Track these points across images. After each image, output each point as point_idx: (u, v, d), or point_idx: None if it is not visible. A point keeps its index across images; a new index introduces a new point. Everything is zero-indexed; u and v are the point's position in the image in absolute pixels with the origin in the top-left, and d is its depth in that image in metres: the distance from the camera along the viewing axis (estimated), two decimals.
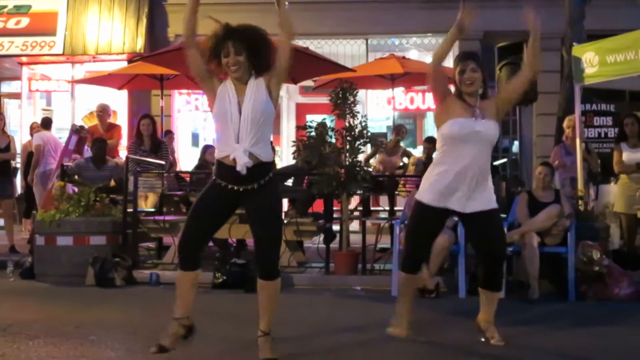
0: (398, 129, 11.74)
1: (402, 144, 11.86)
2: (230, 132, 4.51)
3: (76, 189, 9.30)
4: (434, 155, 5.66)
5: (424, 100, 14.80)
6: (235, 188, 4.57)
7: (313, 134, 8.65)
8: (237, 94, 4.56)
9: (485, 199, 5.04)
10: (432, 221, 5.19)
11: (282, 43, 4.66)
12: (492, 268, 5.10)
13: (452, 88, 5.27)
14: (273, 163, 4.79)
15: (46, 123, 11.94)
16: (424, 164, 8.29)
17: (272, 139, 4.91)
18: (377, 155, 11.28)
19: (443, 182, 5.02)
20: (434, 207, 5.06)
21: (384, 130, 12.64)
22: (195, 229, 4.71)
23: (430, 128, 14.89)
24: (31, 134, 12.12)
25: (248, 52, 4.52)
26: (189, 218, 4.79)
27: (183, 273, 4.74)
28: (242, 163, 4.42)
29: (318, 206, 9.25)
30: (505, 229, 7.44)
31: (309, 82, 12.09)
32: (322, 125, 8.60)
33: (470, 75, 5.06)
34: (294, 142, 9.06)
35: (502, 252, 5.20)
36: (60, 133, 14.20)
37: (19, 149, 12.06)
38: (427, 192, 5.12)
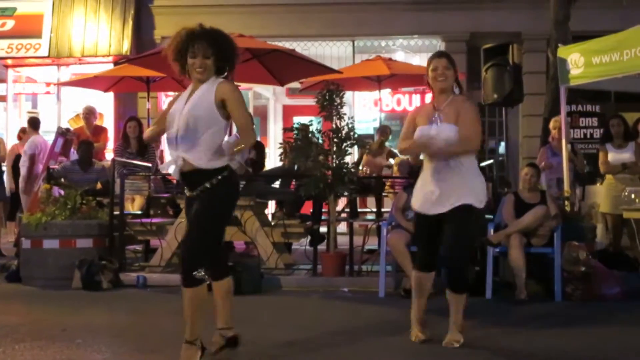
0: (382, 130, 11.74)
1: (387, 144, 11.86)
2: (172, 134, 4.44)
3: (62, 192, 9.27)
4: None
5: (411, 101, 14.85)
6: (188, 194, 4.58)
7: (300, 135, 8.65)
8: (190, 96, 4.48)
9: (454, 198, 5.00)
10: (427, 226, 5.22)
11: (240, 130, 4.44)
12: (447, 267, 5.23)
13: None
14: (218, 170, 4.41)
15: (34, 123, 11.83)
16: (410, 165, 8.29)
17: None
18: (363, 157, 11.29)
19: (422, 188, 5.19)
20: (423, 214, 5.19)
21: (371, 131, 12.65)
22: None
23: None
24: (19, 138, 12.03)
25: (215, 56, 4.42)
26: None
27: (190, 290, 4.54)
28: (172, 168, 4.49)
29: (307, 208, 9.26)
30: (492, 230, 7.50)
31: (295, 84, 12.08)
32: (305, 127, 8.58)
33: (443, 72, 5.09)
34: (280, 144, 9.07)
35: (451, 254, 5.02)
36: (46, 136, 14.15)
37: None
38: (415, 199, 5.31)
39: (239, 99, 4.44)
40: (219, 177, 4.38)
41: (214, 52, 4.40)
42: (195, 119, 4.31)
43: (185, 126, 4.32)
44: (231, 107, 4.35)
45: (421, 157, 5.42)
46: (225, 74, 4.53)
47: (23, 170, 11.08)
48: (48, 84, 15.00)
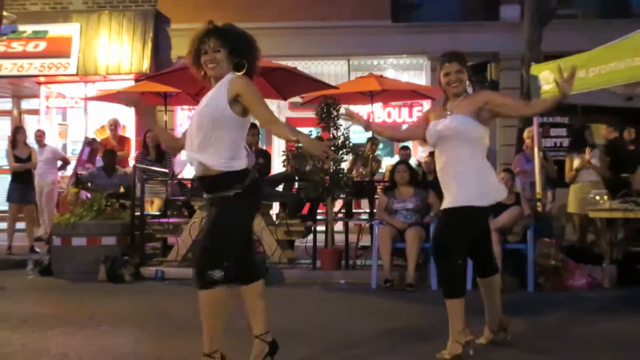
0: (372, 142, 11.73)
1: (379, 152, 11.89)
2: (188, 135, 3.88)
3: (89, 195, 9.29)
4: None
5: (400, 114, 14.89)
6: (206, 196, 3.90)
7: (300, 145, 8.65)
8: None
9: (453, 195, 4.40)
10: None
11: (266, 124, 3.91)
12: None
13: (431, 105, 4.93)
14: (237, 174, 3.73)
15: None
16: (390, 174, 8.34)
17: (240, 148, 3.82)
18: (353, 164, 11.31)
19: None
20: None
21: (364, 141, 12.66)
22: None
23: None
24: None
25: (227, 50, 3.77)
26: None
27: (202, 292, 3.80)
28: (186, 167, 4.02)
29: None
30: None
31: (297, 99, 12.11)
32: None
33: (457, 76, 4.44)
34: (283, 151, 9.10)
35: (435, 249, 4.47)
36: (74, 145, 14.21)
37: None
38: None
39: (255, 93, 3.73)
40: (242, 188, 3.70)
41: (224, 45, 3.76)
42: (208, 117, 3.70)
43: (198, 126, 3.73)
44: (248, 103, 3.69)
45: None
46: (244, 70, 3.83)
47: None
48: (74, 99, 15.00)
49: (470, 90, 4.51)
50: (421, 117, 4.77)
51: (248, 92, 3.69)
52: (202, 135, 3.69)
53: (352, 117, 4.87)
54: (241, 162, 3.76)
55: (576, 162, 9.19)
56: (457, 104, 4.44)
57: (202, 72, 3.89)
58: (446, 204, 4.44)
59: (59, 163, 11.66)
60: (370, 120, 13.22)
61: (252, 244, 4.38)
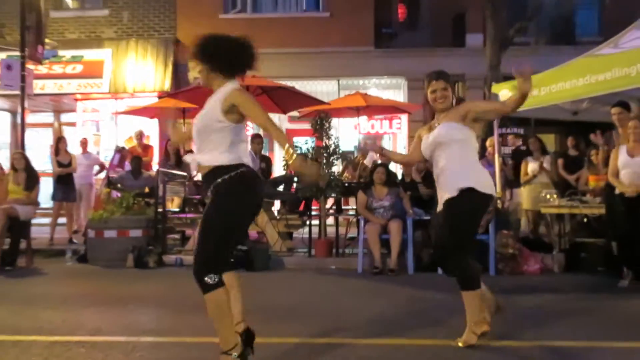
0: (363, 151, 11.76)
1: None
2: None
3: (119, 195, 9.28)
4: None
5: (382, 126, 14.90)
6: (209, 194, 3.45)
7: (299, 152, 8.69)
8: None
9: (449, 188, 4.08)
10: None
11: (264, 128, 3.35)
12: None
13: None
14: (227, 168, 3.33)
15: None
16: (370, 172, 8.36)
17: (231, 146, 3.39)
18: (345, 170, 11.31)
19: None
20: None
21: (352, 148, 12.69)
22: None
23: (386, 146, 14.94)
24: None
25: (206, 62, 3.47)
26: None
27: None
28: (192, 167, 3.67)
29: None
30: None
31: (295, 113, 12.11)
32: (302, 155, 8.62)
33: (442, 94, 4.16)
34: (283, 157, 9.09)
35: (436, 248, 4.25)
36: (106, 152, 14.18)
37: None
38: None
39: (248, 100, 3.38)
40: (227, 177, 3.31)
41: (202, 58, 3.46)
42: (204, 124, 3.40)
43: (197, 131, 3.43)
44: (245, 110, 3.34)
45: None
46: (237, 75, 3.51)
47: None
48: (106, 113, 15.00)
49: (454, 103, 4.26)
50: (415, 139, 4.44)
51: (242, 100, 3.33)
52: (200, 139, 3.42)
53: (372, 147, 4.76)
54: (229, 157, 3.36)
55: (531, 167, 9.23)
56: (443, 116, 4.19)
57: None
58: (444, 196, 4.09)
59: (96, 168, 11.65)
60: (357, 130, 13.45)
61: (239, 239, 3.93)
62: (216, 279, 3.22)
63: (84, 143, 11.50)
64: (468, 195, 3.98)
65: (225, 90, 3.39)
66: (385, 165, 8.07)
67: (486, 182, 4.11)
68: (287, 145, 3.26)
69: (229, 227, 3.32)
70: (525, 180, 9.33)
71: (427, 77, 4.27)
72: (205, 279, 3.20)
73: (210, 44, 3.48)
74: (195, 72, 3.56)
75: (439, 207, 4.20)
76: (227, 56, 3.45)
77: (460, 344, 3.94)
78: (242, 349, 3.31)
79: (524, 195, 9.48)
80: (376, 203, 7.81)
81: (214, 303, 3.24)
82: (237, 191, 3.32)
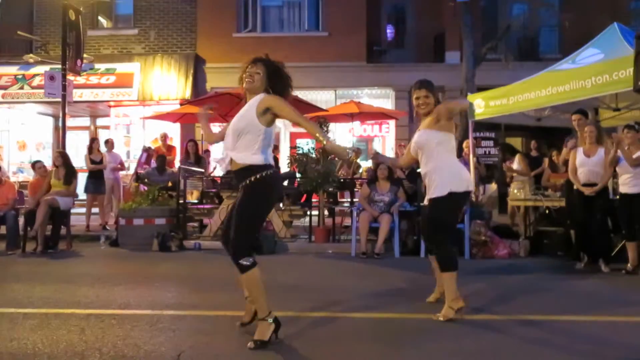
0: (356, 151, 11.73)
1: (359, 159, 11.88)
2: (226, 136, 3.58)
3: (146, 188, 9.26)
4: None
5: (373, 130, 14.89)
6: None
7: (301, 152, 8.70)
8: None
9: (434, 189, 4.10)
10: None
11: (298, 124, 3.53)
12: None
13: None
14: (259, 167, 3.39)
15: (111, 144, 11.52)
16: (373, 171, 8.32)
17: (262, 149, 3.45)
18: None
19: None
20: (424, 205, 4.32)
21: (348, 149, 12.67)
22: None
23: (376, 147, 14.94)
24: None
25: (266, 76, 3.51)
26: None
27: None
28: (223, 163, 3.64)
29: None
30: None
31: None
32: (304, 155, 8.61)
33: (424, 101, 4.15)
34: (288, 157, 9.09)
35: (428, 236, 4.19)
36: (135, 151, 14.15)
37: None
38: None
39: (280, 101, 3.44)
40: (258, 176, 3.36)
41: (265, 71, 3.50)
42: (241, 125, 3.42)
43: (233, 130, 3.44)
44: (279, 111, 3.41)
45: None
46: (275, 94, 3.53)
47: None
48: (135, 118, 14.96)
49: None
50: (410, 144, 4.38)
51: (277, 103, 3.41)
52: (236, 138, 3.44)
53: (375, 157, 4.93)
54: (260, 158, 3.40)
55: (516, 165, 9.27)
56: (422, 122, 4.21)
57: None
58: (430, 194, 4.11)
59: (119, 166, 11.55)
60: (351, 133, 13.42)
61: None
62: (251, 261, 3.31)
63: (111, 143, 11.38)
64: (451, 196, 4.02)
65: (259, 97, 3.46)
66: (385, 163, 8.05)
67: (464, 180, 4.12)
68: (317, 134, 3.37)
69: (258, 219, 3.47)
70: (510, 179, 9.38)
71: (413, 86, 4.29)
72: (242, 261, 3.29)
73: (277, 66, 3.59)
74: (249, 72, 3.51)
75: (426, 201, 4.22)
76: (284, 81, 3.57)
77: (440, 319, 3.92)
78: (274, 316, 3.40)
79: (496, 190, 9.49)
80: (378, 196, 7.78)
81: (251, 281, 3.34)
82: (266, 190, 3.42)
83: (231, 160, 3.48)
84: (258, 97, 3.47)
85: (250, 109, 3.44)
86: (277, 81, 3.54)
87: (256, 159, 3.40)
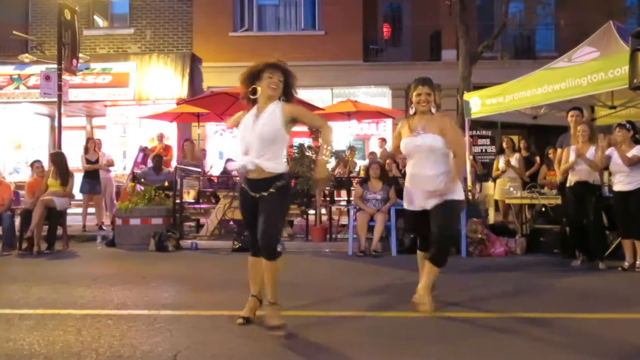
0: (351, 149, 11.74)
1: (356, 158, 11.89)
2: (245, 145, 3.70)
3: (142, 188, 9.23)
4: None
5: (369, 128, 14.89)
6: (252, 194, 3.68)
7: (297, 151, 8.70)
8: (258, 114, 3.68)
9: (452, 193, 4.07)
10: (414, 220, 4.30)
11: (319, 127, 3.81)
12: (434, 245, 4.08)
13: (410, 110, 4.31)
14: (283, 174, 3.67)
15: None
16: (365, 170, 8.36)
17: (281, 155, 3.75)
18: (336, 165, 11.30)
19: (408, 189, 4.28)
20: (410, 210, 4.28)
21: (344, 148, 12.65)
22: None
23: (373, 146, 14.94)
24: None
25: (284, 84, 3.72)
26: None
27: (254, 259, 3.79)
28: (240, 166, 3.67)
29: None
30: None
31: None
32: (300, 145, 8.60)
33: (426, 98, 4.14)
34: (284, 156, 9.04)
35: (439, 236, 4.05)
36: (131, 151, 14.11)
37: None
38: (404, 200, 4.35)
39: (304, 111, 3.75)
40: (284, 181, 3.64)
41: (283, 79, 3.70)
42: (268, 136, 3.58)
43: (259, 139, 3.58)
44: (304, 118, 3.67)
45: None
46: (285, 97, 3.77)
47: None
48: (131, 118, 14.93)
49: (434, 110, 4.18)
50: (396, 135, 4.43)
51: (300, 112, 3.69)
52: (262, 146, 3.59)
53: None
54: (285, 167, 3.73)
55: (502, 163, 9.25)
56: (427, 124, 4.13)
57: (246, 89, 3.71)
58: (450, 196, 4.03)
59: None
60: (348, 132, 13.41)
61: None
62: (281, 248, 3.78)
63: (98, 144, 11.31)
64: (454, 202, 4.07)
65: (279, 106, 3.65)
66: (379, 163, 8.07)
67: (461, 190, 4.21)
68: (326, 145, 3.70)
69: (285, 214, 3.97)
70: (496, 175, 9.33)
71: (414, 82, 4.25)
72: (278, 249, 3.62)
73: (291, 72, 3.78)
74: (275, 80, 3.67)
75: (421, 202, 4.15)
76: (294, 87, 3.81)
77: (426, 309, 3.92)
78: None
79: (495, 188, 9.47)
80: (370, 195, 7.79)
81: (276, 268, 3.62)
82: (289, 191, 3.75)
83: (257, 167, 3.61)
84: (278, 106, 3.65)
85: (274, 118, 3.61)
86: (289, 88, 3.76)
87: (282, 167, 3.70)
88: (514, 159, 9.23)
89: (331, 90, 14.98)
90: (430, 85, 4.20)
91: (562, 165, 6.54)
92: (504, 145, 9.45)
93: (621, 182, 6.22)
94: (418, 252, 4.41)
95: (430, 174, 4.12)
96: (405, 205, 4.33)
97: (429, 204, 4.11)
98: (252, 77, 3.72)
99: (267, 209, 3.62)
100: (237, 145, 3.78)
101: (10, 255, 7.63)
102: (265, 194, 3.62)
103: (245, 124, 3.73)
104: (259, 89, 3.69)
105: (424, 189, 4.12)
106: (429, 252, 4.12)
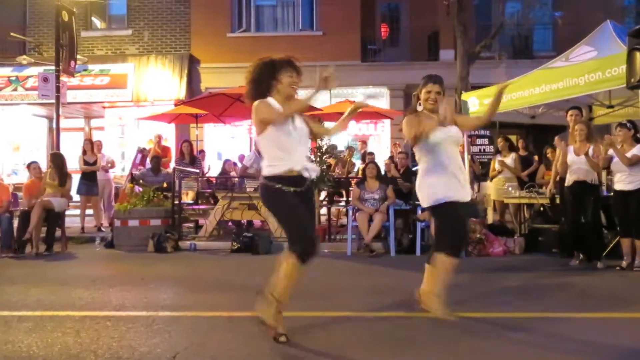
0: (349, 150, 11.74)
1: (354, 158, 11.89)
2: (292, 148, 3.57)
3: (141, 189, 9.22)
4: (420, 166, 4.08)
5: (367, 128, 14.89)
6: (293, 189, 3.48)
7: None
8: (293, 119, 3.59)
9: (467, 190, 3.98)
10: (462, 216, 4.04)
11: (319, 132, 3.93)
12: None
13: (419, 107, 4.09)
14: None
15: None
16: (362, 170, 8.38)
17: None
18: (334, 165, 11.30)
19: (441, 182, 3.87)
20: (450, 202, 3.83)
21: (342, 148, 12.66)
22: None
23: (371, 146, 14.94)
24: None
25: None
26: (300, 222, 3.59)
27: (303, 267, 3.63)
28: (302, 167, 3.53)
29: None
30: (420, 212, 7.50)
31: None
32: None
33: (435, 97, 3.99)
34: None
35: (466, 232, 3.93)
36: (129, 152, 14.10)
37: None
38: (439, 193, 3.85)
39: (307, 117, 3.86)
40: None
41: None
42: (307, 137, 3.64)
43: (304, 143, 3.63)
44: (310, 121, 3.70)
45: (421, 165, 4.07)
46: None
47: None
48: (129, 119, 14.92)
49: (441, 110, 3.91)
50: (417, 122, 3.95)
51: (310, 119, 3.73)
52: (305, 147, 3.66)
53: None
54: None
55: (498, 163, 9.24)
56: (431, 116, 3.93)
57: (254, 90, 3.60)
58: (466, 195, 3.89)
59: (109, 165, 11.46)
60: (346, 132, 13.37)
61: None
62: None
63: (98, 145, 11.30)
64: None
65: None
66: (374, 162, 8.07)
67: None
68: (307, 100, 3.77)
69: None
70: (492, 175, 9.32)
71: (425, 78, 4.12)
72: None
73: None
74: (295, 82, 3.76)
75: (462, 195, 3.90)
76: None
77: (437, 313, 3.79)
78: None
79: (491, 188, 9.47)
80: (367, 195, 7.79)
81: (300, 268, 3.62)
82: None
83: (312, 170, 3.60)
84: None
85: (303, 123, 3.67)
86: None
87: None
88: (510, 159, 9.22)
89: (329, 90, 14.96)
90: (441, 84, 4.06)
91: (559, 163, 6.55)
92: (499, 145, 9.44)
93: (622, 181, 6.22)
94: (450, 258, 3.91)
95: (462, 165, 4.03)
96: (442, 199, 3.83)
97: (467, 195, 3.93)
98: (267, 76, 3.61)
99: (312, 210, 3.74)
100: (288, 145, 3.53)
101: (9, 257, 7.62)
102: (312, 191, 3.67)
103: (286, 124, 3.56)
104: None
105: (459, 178, 3.89)
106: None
